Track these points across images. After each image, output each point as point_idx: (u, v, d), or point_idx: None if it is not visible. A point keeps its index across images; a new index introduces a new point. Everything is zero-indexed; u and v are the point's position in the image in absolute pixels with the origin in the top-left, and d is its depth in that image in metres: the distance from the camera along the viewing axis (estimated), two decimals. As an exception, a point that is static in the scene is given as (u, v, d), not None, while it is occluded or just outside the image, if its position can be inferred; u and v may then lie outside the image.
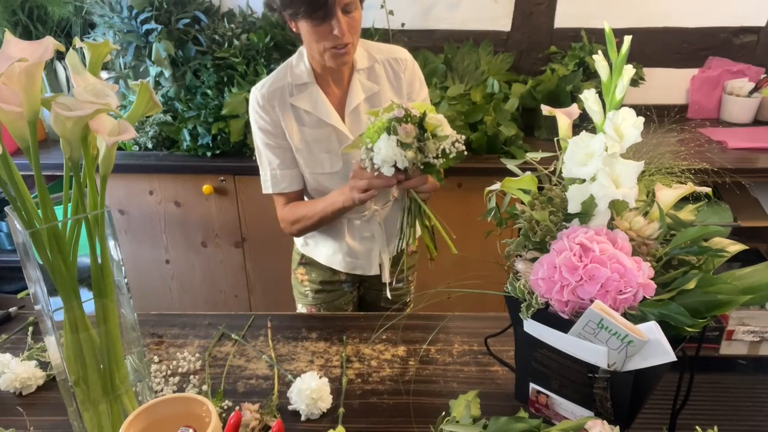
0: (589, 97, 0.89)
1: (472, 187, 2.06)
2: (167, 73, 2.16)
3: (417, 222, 1.31)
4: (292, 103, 1.35)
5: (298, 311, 1.65)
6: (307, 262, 1.59)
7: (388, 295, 1.46)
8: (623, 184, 0.81)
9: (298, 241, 1.60)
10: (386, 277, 1.43)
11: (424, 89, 1.46)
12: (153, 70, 2.17)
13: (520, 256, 0.89)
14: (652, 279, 0.78)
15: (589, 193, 0.82)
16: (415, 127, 1.14)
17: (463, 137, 1.19)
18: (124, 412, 0.87)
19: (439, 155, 1.16)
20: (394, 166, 1.15)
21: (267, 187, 1.42)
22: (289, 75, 1.35)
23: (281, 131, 1.37)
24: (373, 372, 1.12)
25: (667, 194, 0.84)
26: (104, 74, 2.21)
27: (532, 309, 0.83)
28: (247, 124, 2.04)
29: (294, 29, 1.28)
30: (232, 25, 2.21)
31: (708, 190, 0.88)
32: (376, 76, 1.40)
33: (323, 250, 1.54)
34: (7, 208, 0.78)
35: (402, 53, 1.42)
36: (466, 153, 1.18)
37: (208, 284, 2.34)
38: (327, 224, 1.43)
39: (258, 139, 1.40)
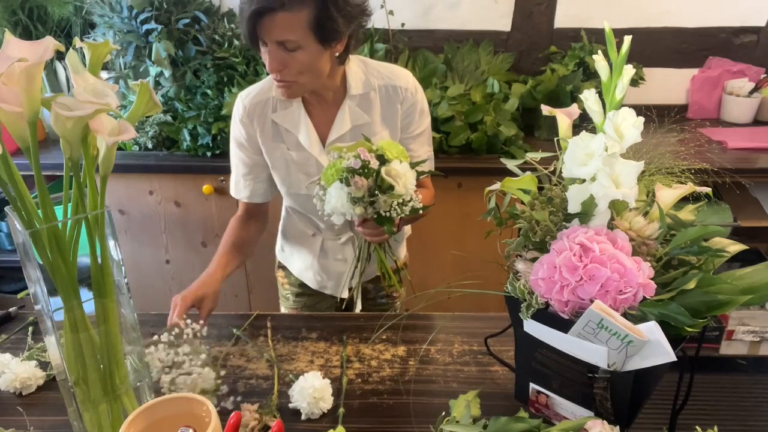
0: (589, 97, 0.89)
1: (472, 187, 2.05)
2: (167, 73, 2.16)
3: (375, 255, 1.31)
4: (274, 119, 1.30)
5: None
6: (286, 266, 1.59)
7: (357, 309, 1.44)
8: (623, 184, 0.81)
9: (277, 245, 1.60)
10: (357, 307, 1.39)
11: (425, 120, 1.37)
12: (153, 70, 2.17)
13: (520, 256, 0.89)
14: (652, 279, 0.78)
15: (589, 193, 0.82)
16: (370, 179, 1.09)
17: (420, 196, 1.15)
18: (124, 412, 0.87)
19: (391, 211, 1.12)
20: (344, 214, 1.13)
21: (232, 190, 1.42)
22: (274, 89, 1.27)
23: (256, 146, 1.33)
24: (373, 372, 1.12)
25: (667, 194, 0.84)
26: (104, 74, 2.21)
27: (532, 309, 0.83)
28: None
29: None
30: (232, 25, 2.21)
31: (708, 190, 0.88)
32: (369, 104, 1.31)
33: (297, 263, 1.53)
34: (7, 208, 0.78)
35: (403, 80, 1.31)
36: (421, 212, 1.16)
37: (208, 284, 2.34)
38: None
39: (232, 145, 1.37)
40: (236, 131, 1.34)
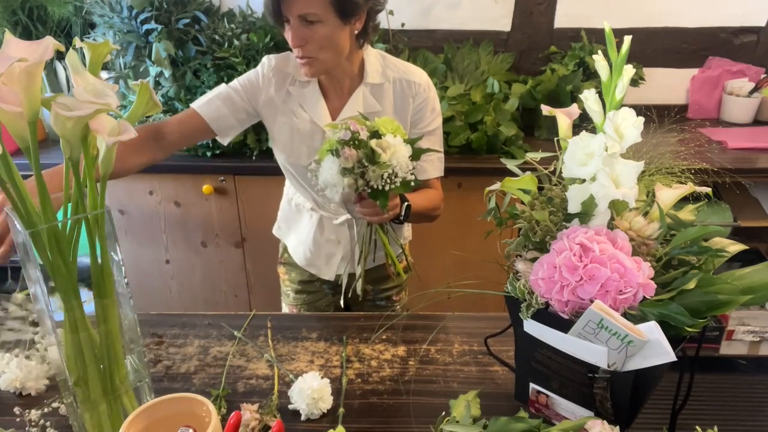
0: (589, 97, 0.89)
1: (472, 187, 2.06)
2: (167, 73, 2.16)
3: (378, 239, 1.30)
4: (290, 90, 1.34)
5: (282, 311, 1.65)
6: (287, 262, 1.60)
7: (341, 303, 1.44)
8: (623, 184, 0.81)
9: (275, 225, 1.61)
10: (357, 290, 1.38)
11: (436, 120, 1.39)
12: (153, 70, 2.17)
13: (520, 256, 0.89)
14: (652, 279, 0.78)
15: (589, 193, 0.82)
16: (361, 151, 1.09)
17: (412, 166, 1.13)
18: (124, 412, 0.87)
19: (384, 183, 1.10)
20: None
21: (198, 101, 1.37)
22: (294, 67, 1.33)
23: (254, 98, 1.35)
24: (373, 372, 1.12)
25: (667, 194, 0.84)
26: (104, 74, 2.21)
27: (532, 309, 0.83)
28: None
29: None
30: (232, 25, 2.21)
31: (708, 190, 0.88)
32: (382, 95, 1.34)
33: (292, 237, 1.54)
34: (7, 208, 0.78)
35: (418, 76, 1.35)
36: (414, 184, 1.14)
37: (208, 284, 2.34)
38: None
39: (235, 81, 1.36)
40: (251, 74, 1.36)
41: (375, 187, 1.12)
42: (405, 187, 1.14)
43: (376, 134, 1.12)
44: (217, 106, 1.35)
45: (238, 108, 1.36)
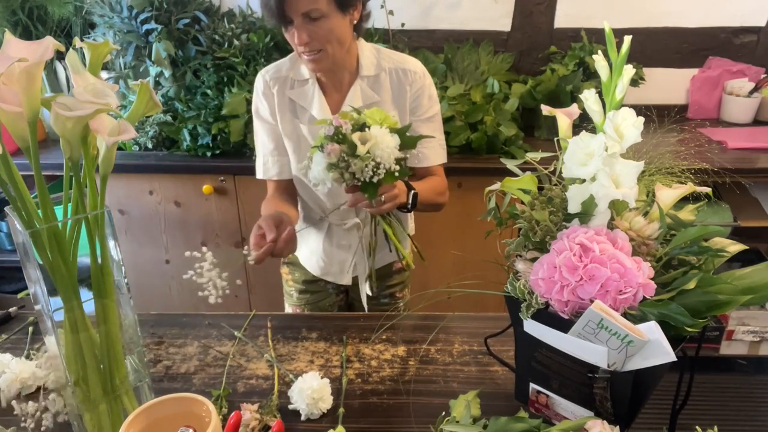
0: (589, 97, 0.89)
1: (472, 187, 2.05)
2: (167, 73, 2.16)
3: (388, 232, 1.30)
4: (290, 96, 1.36)
5: (285, 311, 1.65)
6: (291, 262, 1.60)
7: (365, 307, 1.45)
8: (623, 184, 0.81)
9: None
10: (366, 290, 1.40)
11: (434, 106, 1.40)
12: (153, 70, 2.17)
13: (520, 256, 0.89)
14: (652, 279, 0.78)
15: (589, 193, 0.82)
16: (344, 145, 1.10)
17: (402, 155, 1.13)
18: (124, 412, 0.87)
19: (371, 175, 1.11)
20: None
21: (259, 172, 1.43)
22: (292, 68, 1.36)
23: (278, 118, 1.38)
24: (373, 372, 1.12)
25: (667, 194, 0.84)
26: (104, 74, 2.21)
27: (532, 309, 0.83)
28: (247, 124, 2.04)
29: None
30: (232, 25, 2.21)
31: (708, 190, 0.88)
32: (380, 85, 1.36)
33: (304, 249, 1.55)
34: (7, 208, 0.78)
35: (412, 65, 1.37)
36: (397, 174, 1.14)
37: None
38: None
39: (256, 124, 1.41)
40: (259, 106, 1.38)
41: (362, 179, 1.13)
42: (391, 178, 1.15)
43: (362, 127, 1.13)
44: (274, 161, 1.41)
45: (280, 142, 1.40)
